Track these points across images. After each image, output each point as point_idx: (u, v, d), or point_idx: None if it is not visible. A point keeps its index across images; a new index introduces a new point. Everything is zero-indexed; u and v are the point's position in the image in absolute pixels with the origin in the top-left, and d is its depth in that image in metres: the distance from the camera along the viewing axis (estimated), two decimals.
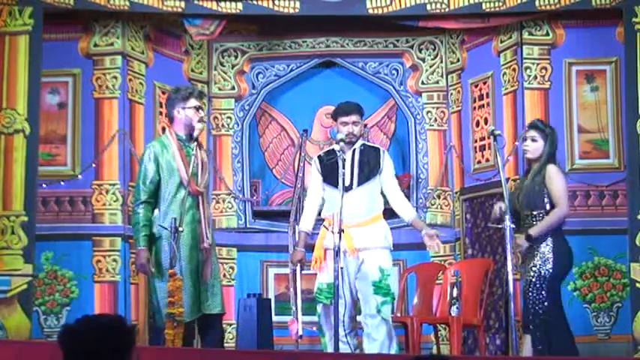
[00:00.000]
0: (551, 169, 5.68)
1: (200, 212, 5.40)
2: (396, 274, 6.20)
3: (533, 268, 5.58)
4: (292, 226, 7.21)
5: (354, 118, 5.93)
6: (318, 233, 6.00)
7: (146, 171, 5.42)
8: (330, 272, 5.60)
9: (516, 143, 6.93)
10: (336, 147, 5.81)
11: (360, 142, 6.03)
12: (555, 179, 5.65)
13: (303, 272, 6.58)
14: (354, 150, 5.94)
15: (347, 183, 5.77)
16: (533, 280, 5.56)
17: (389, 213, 7.78)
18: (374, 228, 5.88)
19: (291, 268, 6.86)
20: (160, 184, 5.42)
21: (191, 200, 5.34)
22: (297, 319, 6.70)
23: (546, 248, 5.59)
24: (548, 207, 5.63)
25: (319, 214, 5.98)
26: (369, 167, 5.91)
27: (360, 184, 5.87)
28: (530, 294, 5.56)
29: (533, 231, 5.60)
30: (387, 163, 6.00)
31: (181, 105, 5.49)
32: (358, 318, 5.84)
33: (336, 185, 5.66)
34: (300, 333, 6.66)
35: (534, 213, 5.65)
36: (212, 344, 5.38)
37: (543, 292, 5.54)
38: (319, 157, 6.09)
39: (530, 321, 5.57)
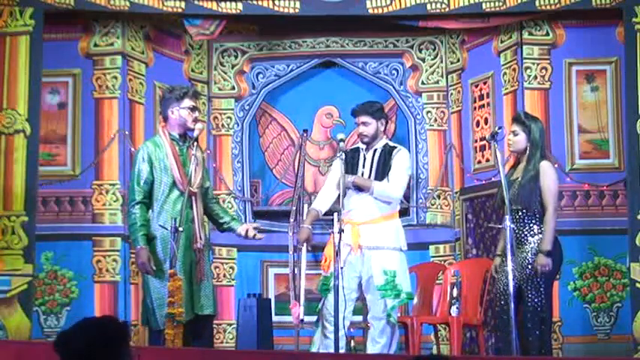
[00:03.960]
0: (545, 166, 5.62)
1: (194, 212, 5.38)
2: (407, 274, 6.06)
3: (529, 266, 5.51)
4: (292, 227, 7.21)
5: (362, 119, 6.03)
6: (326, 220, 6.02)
7: (140, 171, 5.41)
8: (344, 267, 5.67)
9: None
10: (362, 145, 6.05)
11: (383, 142, 6.09)
12: (549, 177, 5.59)
13: (307, 272, 6.49)
14: (375, 150, 6.03)
15: None
16: (531, 277, 5.52)
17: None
18: (384, 227, 5.91)
19: (297, 249, 6.66)
20: (154, 184, 5.42)
21: (185, 200, 5.32)
22: (299, 302, 6.57)
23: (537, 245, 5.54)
24: (538, 205, 5.56)
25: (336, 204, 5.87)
26: (384, 166, 5.97)
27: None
28: (528, 292, 5.52)
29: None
30: (396, 158, 6.00)
31: (175, 105, 5.48)
32: (357, 318, 5.83)
33: None
34: (302, 317, 6.52)
35: (527, 212, 5.56)
36: (201, 346, 5.36)
37: (542, 290, 5.51)
38: (345, 152, 6.02)
39: (528, 319, 5.52)
